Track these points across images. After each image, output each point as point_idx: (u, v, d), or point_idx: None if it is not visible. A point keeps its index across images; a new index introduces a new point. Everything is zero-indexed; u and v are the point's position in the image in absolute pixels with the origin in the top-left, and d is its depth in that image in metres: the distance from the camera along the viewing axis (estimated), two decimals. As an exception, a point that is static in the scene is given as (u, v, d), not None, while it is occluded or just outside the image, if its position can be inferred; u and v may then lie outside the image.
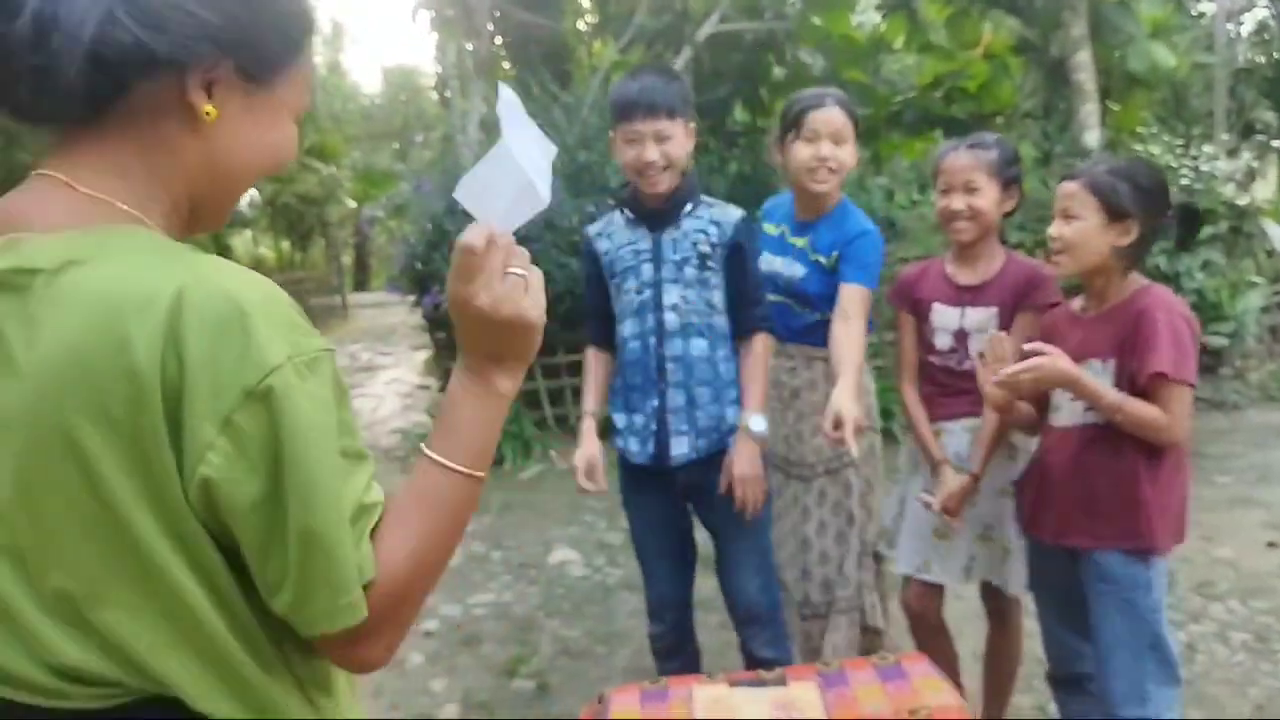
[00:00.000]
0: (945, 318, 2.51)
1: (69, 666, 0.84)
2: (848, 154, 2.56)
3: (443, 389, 7.81)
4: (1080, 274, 2.18)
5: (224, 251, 16.90)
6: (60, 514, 0.81)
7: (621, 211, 2.51)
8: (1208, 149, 7.42)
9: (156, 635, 0.84)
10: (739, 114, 9.77)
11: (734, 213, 2.48)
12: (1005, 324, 2.43)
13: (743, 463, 2.36)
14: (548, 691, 3.28)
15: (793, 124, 2.59)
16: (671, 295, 2.43)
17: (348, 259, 24.17)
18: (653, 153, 2.33)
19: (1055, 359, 2.06)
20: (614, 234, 2.52)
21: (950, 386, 2.53)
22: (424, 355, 9.40)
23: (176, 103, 0.87)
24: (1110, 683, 2.15)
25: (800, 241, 2.66)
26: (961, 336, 2.49)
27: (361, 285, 24.24)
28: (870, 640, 2.69)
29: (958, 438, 2.52)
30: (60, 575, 0.83)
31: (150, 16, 0.81)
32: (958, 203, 2.43)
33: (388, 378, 10.21)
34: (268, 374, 0.79)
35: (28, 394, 0.79)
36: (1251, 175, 8.07)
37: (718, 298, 2.46)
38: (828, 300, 2.57)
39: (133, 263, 0.82)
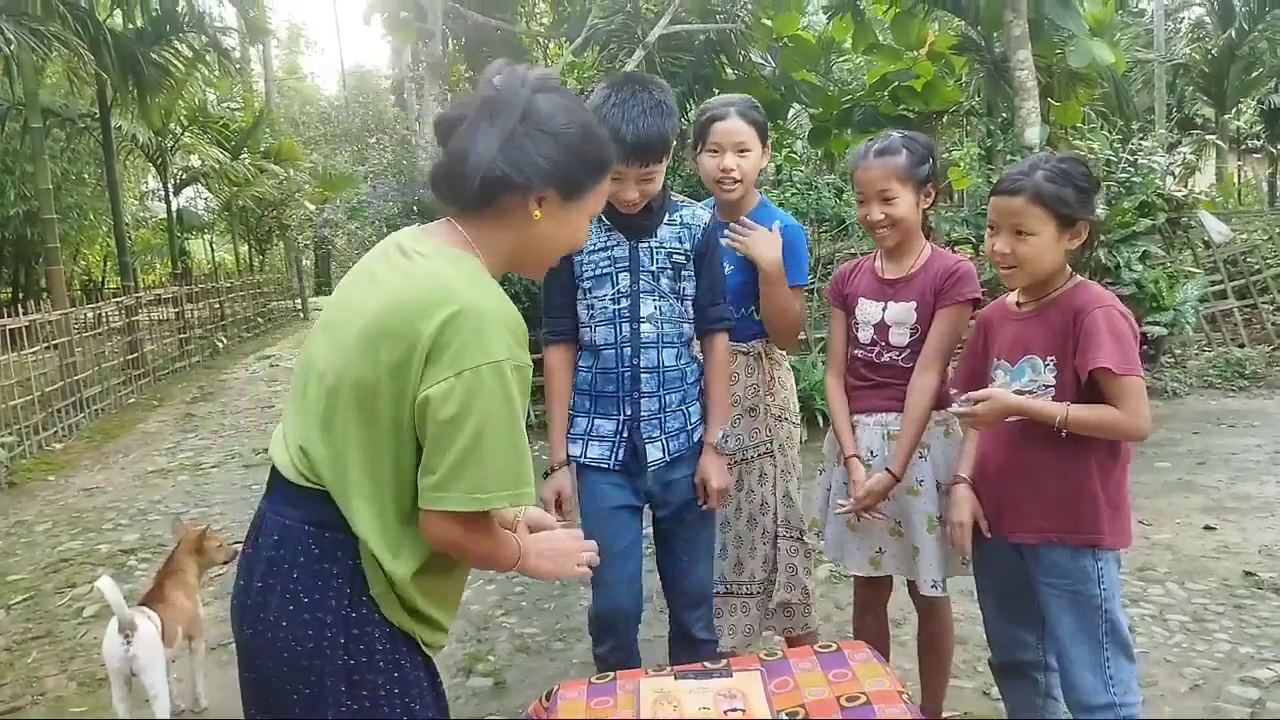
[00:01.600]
0: (869, 312, 2.54)
1: (307, 449, 1.48)
2: (751, 163, 2.63)
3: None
4: (1032, 283, 2.17)
5: (184, 255, 18.48)
6: (358, 365, 1.44)
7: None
8: (1146, 143, 7.60)
9: (352, 456, 1.45)
10: (693, 114, 9.83)
11: (702, 215, 2.49)
12: (925, 318, 2.47)
13: (720, 476, 2.48)
14: (504, 688, 3.32)
15: (699, 135, 2.65)
16: (648, 306, 2.42)
17: (308, 262, 23.88)
18: (634, 193, 2.32)
19: (994, 402, 2.09)
20: None
21: (869, 380, 2.56)
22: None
23: (521, 207, 1.52)
24: (1074, 675, 2.16)
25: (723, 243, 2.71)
26: (883, 329, 2.53)
27: (323, 288, 23.97)
28: (789, 616, 2.76)
29: (870, 431, 2.55)
30: (345, 395, 1.46)
31: (514, 164, 1.47)
32: (876, 213, 2.44)
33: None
34: (490, 360, 1.39)
35: (376, 305, 1.46)
36: (1189, 168, 8.28)
37: (688, 305, 2.47)
38: (742, 299, 2.66)
39: (449, 269, 1.48)
